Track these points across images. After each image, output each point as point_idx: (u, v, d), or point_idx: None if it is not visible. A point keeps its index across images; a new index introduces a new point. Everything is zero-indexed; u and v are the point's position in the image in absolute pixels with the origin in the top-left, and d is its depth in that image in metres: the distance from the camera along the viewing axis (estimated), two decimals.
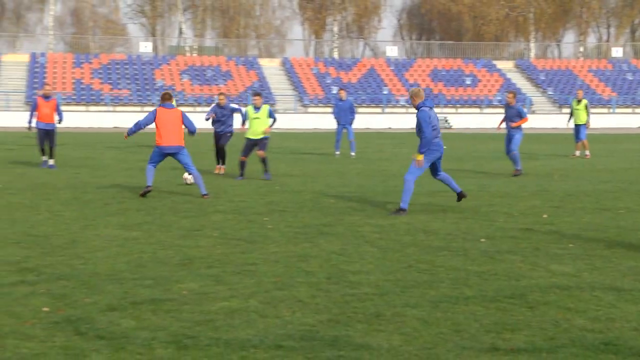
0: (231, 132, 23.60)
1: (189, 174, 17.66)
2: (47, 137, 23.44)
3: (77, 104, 63.04)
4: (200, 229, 12.92)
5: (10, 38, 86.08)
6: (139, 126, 17.38)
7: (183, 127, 17.43)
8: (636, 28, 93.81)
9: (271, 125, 20.96)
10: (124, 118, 60.42)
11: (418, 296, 8.58)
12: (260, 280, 9.29)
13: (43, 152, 23.75)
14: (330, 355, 6.61)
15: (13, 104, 62.23)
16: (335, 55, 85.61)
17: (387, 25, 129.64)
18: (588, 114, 31.13)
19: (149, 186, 16.94)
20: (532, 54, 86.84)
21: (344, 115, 29.12)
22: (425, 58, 79.96)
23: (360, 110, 64.91)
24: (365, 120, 63.21)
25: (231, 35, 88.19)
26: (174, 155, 17.32)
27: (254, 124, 20.92)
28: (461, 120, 65.41)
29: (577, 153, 31.84)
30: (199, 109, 62.35)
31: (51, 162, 23.72)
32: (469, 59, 77.86)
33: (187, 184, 17.85)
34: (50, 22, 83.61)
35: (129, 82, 66.87)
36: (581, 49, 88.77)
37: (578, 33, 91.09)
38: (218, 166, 22.89)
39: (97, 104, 62.85)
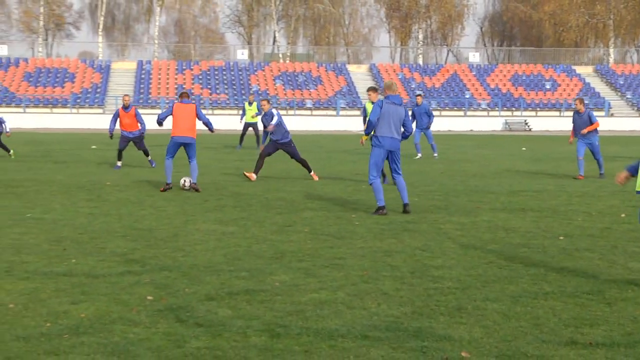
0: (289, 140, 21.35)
1: (185, 180, 17.75)
2: (133, 143, 23.76)
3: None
4: (291, 224, 12.97)
5: (120, 47, 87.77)
6: (160, 117, 18.16)
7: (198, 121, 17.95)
8: None
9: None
10: (222, 120, 61.06)
11: (498, 291, 8.50)
12: (347, 273, 9.30)
13: (119, 157, 23.88)
14: (414, 346, 6.58)
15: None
16: (420, 61, 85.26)
17: (469, 32, 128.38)
18: None
19: (168, 183, 17.55)
20: (611, 59, 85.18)
21: (420, 119, 28.79)
22: (506, 64, 79.03)
23: (443, 113, 64.84)
24: (448, 122, 62.84)
25: (322, 43, 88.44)
26: (185, 146, 17.83)
27: None
28: (541, 122, 64.46)
29: None
30: (290, 112, 62.71)
31: (149, 159, 24.52)
32: (549, 64, 76.66)
33: (184, 188, 17.63)
34: (156, 32, 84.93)
35: (226, 87, 67.53)
36: None
37: None
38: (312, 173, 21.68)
39: (204, 108, 63.56)
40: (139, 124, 23.84)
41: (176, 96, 63.54)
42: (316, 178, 20.48)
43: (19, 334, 6.90)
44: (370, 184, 14.57)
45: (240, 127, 35.35)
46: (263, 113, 21.30)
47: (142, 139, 24.08)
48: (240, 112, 36.89)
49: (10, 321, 7.27)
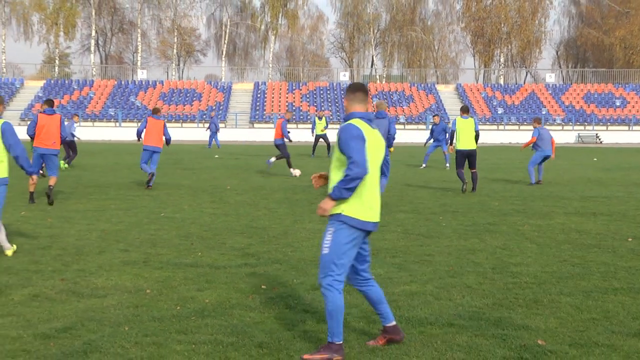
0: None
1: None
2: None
3: (288, 123, 64.41)
4: (386, 225, 12.93)
5: (239, 70, 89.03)
6: (138, 131, 19.49)
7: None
8: None
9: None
10: (328, 134, 61.41)
11: (571, 286, 8.35)
12: (435, 268, 9.25)
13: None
14: (495, 333, 6.53)
15: (240, 123, 64.32)
16: (501, 81, 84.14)
17: (546, 55, 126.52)
18: None
19: (150, 173, 18.74)
20: None
21: (438, 135, 28.39)
22: (580, 83, 77.33)
23: (522, 127, 64.14)
24: (526, 136, 61.95)
25: (414, 66, 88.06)
26: (152, 153, 18.97)
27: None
28: (611, 136, 62.99)
29: None
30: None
31: (272, 159, 24.63)
32: (619, 83, 74.71)
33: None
34: (270, 57, 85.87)
35: (330, 104, 67.80)
36: None
37: None
38: None
39: (304, 122, 64.06)
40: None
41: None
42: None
43: (154, 315, 7.06)
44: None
45: (312, 139, 37.19)
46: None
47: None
48: (311, 125, 39.76)
49: (147, 304, 7.46)
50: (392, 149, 16.69)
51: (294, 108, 66.59)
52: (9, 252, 9.84)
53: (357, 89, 6.31)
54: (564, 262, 9.73)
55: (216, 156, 34.82)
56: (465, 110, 18.37)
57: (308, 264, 9.40)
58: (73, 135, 26.66)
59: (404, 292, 7.98)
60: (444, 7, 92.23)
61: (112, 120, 63.41)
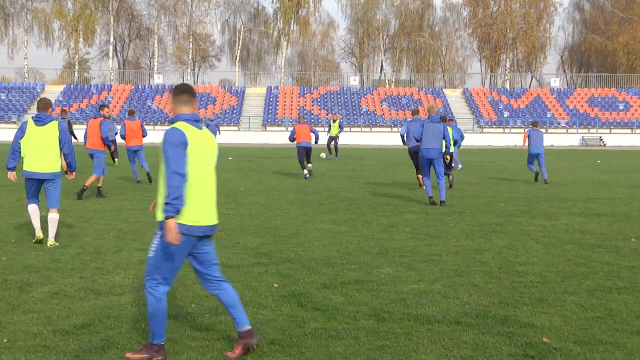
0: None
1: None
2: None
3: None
4: (395, 225, 12.94)
5: (252, 75, 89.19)
6: (121, 135, 20.60)
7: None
8: None
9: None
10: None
11: (575, 285, 8.32)
12: (443, 268, 9.23)
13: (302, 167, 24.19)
14: (501, 331, 6.51)
15: (254, 126, 64.40)
16: (507, 85, 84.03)
17: (551, 60, 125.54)
18: None
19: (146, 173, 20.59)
20: None
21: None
22: (584, 88, 77.05)
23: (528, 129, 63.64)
24: None
25: (422, 70, 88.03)
26: (134, 152, 20.67)
27: None
28: (614, 139, 62.86)
29: None
30: (394, 129, 62.60)
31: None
32: (622, 88, 74.47)
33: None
34: (282, 62, 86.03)
35: (340, 108, 67.83)
36: None
37: None
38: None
39: (315, 125, 64.09)
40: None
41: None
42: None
43: (170, 312, 7.04)
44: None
45: (326, 140, 37.50)
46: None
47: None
48: (327, 128, 42.27)
49: None
50: (448, 156, 16.23)
51: (305, 112, 66.63)
52: (40, 235, 10.63)
53: (183, 90, 5.83)
54: (568, 262, 9.69)
55: (230, 158, 34.87)
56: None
57: (319, 263, 9.39)
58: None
59: (412, 291, 7.96)
60: (452, 13, 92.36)
61: None
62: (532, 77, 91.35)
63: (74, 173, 11.09)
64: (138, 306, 7.29)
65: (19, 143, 10.68)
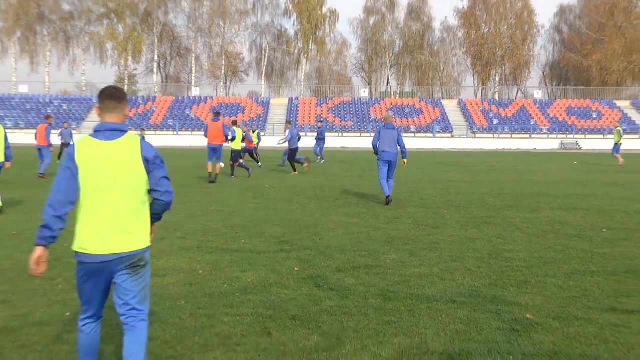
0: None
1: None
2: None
3: (317, 132, 64.50)
4: (399, 217, 12.93)
5: (276, 87, 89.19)
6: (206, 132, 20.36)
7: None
8: None
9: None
10: (348, 141, 61.49)
11: (555, 269, 8.30)
12: (441, 254, 9.22)
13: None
14: (491, 309, 6.50)
15: (277, 132, 64.40)
16: (496, 96, 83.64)
17: (534, 75, 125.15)
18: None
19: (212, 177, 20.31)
20: None
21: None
22: (563, 99, 76.60)
23: (513, 136, 63.78)
24: (517, 143, 61.77)
25: (423, 84, 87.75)
26: (214, 149, 20.50)
27: None
28: (589, 143, 62.37)
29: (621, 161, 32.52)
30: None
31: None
32: (596, 99, 73.98)
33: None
34: (302, 76, 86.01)
35: (352, 116, 67.68)
36: None
37: None
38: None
39: (330, 131, 64.03)
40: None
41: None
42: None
43: (205, 291, 7.11)
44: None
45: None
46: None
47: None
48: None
49: (200, 282, 7.51)
50: (405, 161, 15.86)
51: (322, 119, 66.62)
52: None
53: (104, 96, 4.37)
54: (549, 249, 9.66)
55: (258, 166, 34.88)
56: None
57: (333, 250, 9.41)
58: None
59: (414, 274, 7.96)
60: (448, 34, 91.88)
61: (171, 129, 63.81)
62: (518, 90, 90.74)
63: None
64: (178, 286, 7.33)
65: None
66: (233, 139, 21.90)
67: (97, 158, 4.24)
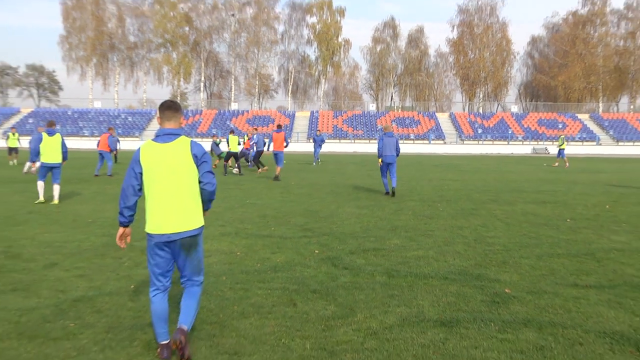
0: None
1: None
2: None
3: (334, 138, 64.42)
4: (401, 209, 12.89)
5: (300, 102, 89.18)
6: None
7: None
8: None
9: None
10: (359, 147, 61.34)
11: (528, 252, 8.24)
12: (435, 240, 9.18)
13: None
14: (476, 284, 6.48)
15: (301, 139, 64.42)
16: (481, 110, 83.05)
17: (511, 93, 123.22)
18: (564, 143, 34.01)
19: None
20: (600, 109, 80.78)
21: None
22: (534, 112, 75.76)
23: (495, 142, 63.21)
24: (497, 149, 61.40)
25: (420, 99, 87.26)
26: (276, 154, 19.99)
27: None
28: (555, 149, 61.75)
29: (560, 164, 33.52)
30: (400, 141, 62.36)
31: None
32: (561, 112, 73.17)
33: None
34: (321, 93, 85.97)
35: (362, 126, 67.51)
36: (632, 107, 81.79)
37: (629, 97, 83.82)
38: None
39: (344, 138, 63.96)
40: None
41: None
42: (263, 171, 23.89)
43: (242, 269, 7.14)
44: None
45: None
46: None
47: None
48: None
49: (237, 262, 7.54)
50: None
51: (337, 129, 66.53)
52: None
53: (163, 107, 4.49)
54: (523, 236, 9.58)
55: (284, 162, 34.98)
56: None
57: (347, 236, 9.40)
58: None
59: (413, 256, 7.94)
60: (441, 59, 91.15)
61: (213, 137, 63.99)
62: (498, 105, 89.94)
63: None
64: (220, 265, 7.37)
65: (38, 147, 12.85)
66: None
67: (157, 158, 4.37)
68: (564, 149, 33.48)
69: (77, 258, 7.71)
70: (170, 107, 4.47)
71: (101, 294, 6.11)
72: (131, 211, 4.45)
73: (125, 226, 4.49)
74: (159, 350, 4.47)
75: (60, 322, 5.25)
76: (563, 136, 34.02)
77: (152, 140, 4.44)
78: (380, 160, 15.40)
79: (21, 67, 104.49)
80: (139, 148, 4.43)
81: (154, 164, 4.37)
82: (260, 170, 24.18)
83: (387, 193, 15.05)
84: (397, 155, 15.49)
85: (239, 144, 24.81)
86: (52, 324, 5.22)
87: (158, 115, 4.49)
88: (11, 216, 11.22)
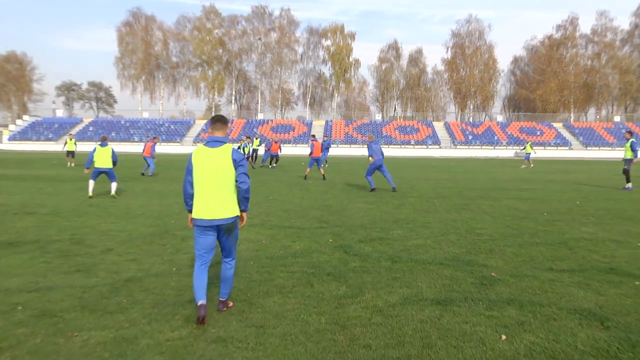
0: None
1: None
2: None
3: (345, 144, 64.25)
4: (403, 204, 12.83)
5: (316, 113, 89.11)
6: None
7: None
8: (627, 106, 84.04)
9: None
10: (367, 152, 60.93)
11: (512, 241, 8.16)
12: (432, 231, 9.13)
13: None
14: (467, 269, 6.44)
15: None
16: (471, 119, 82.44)
17: (497, 104, 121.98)
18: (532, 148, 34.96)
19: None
20: (572, 119, 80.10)
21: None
22: (517, 121, 74.91)
23: (483, 147, 62.65)
24: (485, 152, 60.94)
25: (419, 110, 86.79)
26: (317, 160, 20.56)
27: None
28: (534, 153, 61.37)
29: (526, 165, 33.96)
30: (403, 146, 62.13)
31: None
32: (539, 121, 72.26)
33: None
34: (335, 105, 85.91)
35: (370, 133, 67.21)
36: (597, 117, 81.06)
37: (596, 108, 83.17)
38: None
39: (354, 144, 63.79)
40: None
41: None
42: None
43: (267, 255, 7.16)
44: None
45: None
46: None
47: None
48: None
49: (263, 249, 7.56)
50: (371, 159, 15.67)
51: (349, 135, 66.40)
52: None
53: (214, 120, 4.82)
54: (507, 227, 9.50)
55: (302, 163, 34.94)
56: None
57: (357, 227, 9.38)
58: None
59: (413, 245, 7.91)
60: (437, 76, 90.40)
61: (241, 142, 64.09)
62: (485, 115, 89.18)
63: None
64: (248, 251, 7.39)
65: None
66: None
67: (206, 159, 4.71)
68: (529, 153, 34.59)
69: (129, 245, 7.79)
70: (219, 120, 4.84)
71: (148, 275, 6.17)
72: (191, 201, 4.76)
73: (190, 211, 4.77)
74: (198, 305, 4.65)
75: (115, 299, 5.32)
76: (529, 143, 35.35)
77: (204, 145, 4.78)
78: (371, 158, 15.80)
79: (84, 84, 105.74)
80: (192, 152, 4.77)
81: (203, 164, 4.70)
82: (254, 167, 25.24)
83: (374, 189, 15.57)
84: (382, 157, 16.03)
85: (260, 144, 25.58)
86: (108, 299, 5.29)
87: (210, 126, 4.82)
88: (75, 209, 11.37)
